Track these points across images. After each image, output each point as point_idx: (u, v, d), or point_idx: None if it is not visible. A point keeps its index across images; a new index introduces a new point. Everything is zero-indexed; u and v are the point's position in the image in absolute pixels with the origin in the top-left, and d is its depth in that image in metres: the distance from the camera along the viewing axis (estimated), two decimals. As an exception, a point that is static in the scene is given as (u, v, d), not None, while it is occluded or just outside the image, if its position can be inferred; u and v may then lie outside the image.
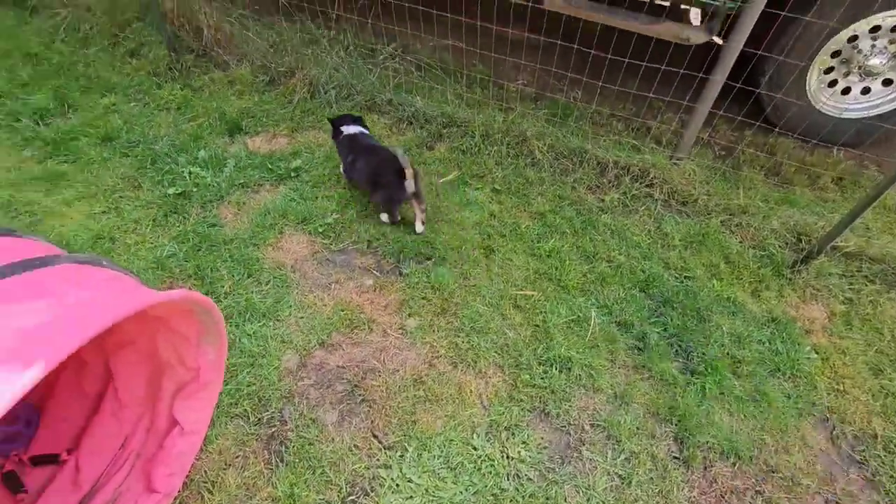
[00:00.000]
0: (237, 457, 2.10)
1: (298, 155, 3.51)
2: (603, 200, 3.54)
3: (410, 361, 2.49)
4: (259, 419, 2.21)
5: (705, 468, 2.27)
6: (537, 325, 2.72)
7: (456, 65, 4.19)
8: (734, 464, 2.29)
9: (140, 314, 1.76)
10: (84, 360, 2.05)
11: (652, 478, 2.21)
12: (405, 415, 2.28)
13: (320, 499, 2.00)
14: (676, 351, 2.70)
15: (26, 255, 1.34)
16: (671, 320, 2.80)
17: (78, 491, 1.89)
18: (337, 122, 3.19)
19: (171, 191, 3.11)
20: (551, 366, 2.54)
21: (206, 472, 2.03)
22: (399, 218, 3.12)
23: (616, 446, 2.30)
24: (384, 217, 3.14)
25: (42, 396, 2.08)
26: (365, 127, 3.24)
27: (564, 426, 2.35)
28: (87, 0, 4.28)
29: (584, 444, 2.30)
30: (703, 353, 2.66)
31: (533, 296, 2.86)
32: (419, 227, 3.09)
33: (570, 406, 2.41)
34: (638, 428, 2.36)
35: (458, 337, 2.61)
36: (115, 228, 2.89)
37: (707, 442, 2.32)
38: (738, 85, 3.20)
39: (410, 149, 3.70)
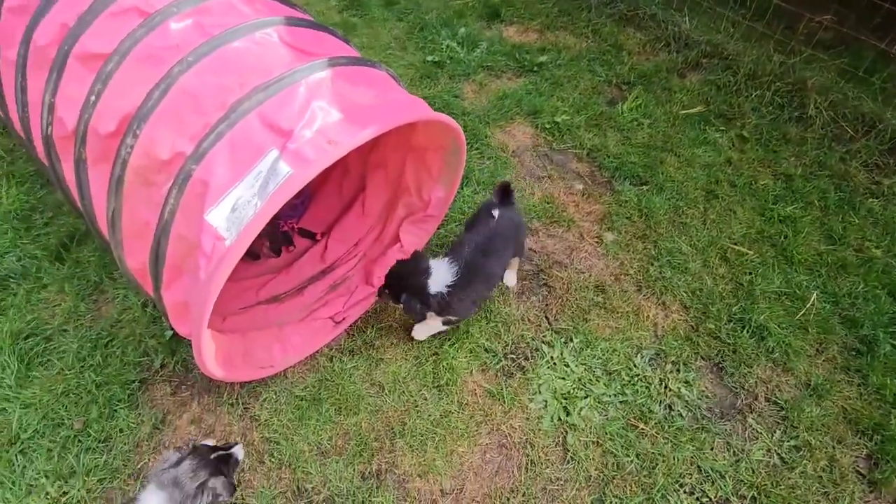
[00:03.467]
0: (432, 286, 2.48)
1: (545, 52, 3.55)
2: (878, 183, 2.91)
3: (597, 269, 2.55)
4: (454, 266, 2.55)
5: (897, 499, 1.97)
6: (741, 284, 2.51)
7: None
8: (942, 514, 1.94)
9: (403, 141, 2.12)
10: (349, 169, 2.56)
11: (822, 477, 2.00)
12: (579, 311, 2.39)
13: (487, 345, 2.29)
14: (911, 372, 2.26)
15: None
16: (919, 339, 2.32)
17: (322, 263, 2.48)
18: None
19: (429, 58, 3.47)
20: (743, 327, 2.36)
21: (407, 287, 2.46)
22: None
23: (789, 430, 2.11)
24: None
25: (315, 186, 2.69)
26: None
27: (736, 388, 2.22)
28: None
29: (752, 412, 2.16)
30: (951, 389, 2.18)
31: (747, 254, 2.61)
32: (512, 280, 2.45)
33: (749, 372, 2.25)
34: (823, 425, 2.12)
35: (652, 265, 2.56)
36: (381, 80, 3.38)
37: (913, 476, 1.99)
38: None
39: (659, 71, 3.45)
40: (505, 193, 2.19)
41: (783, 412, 2.16)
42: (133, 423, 2.05)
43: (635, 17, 3.75)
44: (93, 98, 1.44)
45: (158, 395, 2.14)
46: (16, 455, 1.96)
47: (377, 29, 3.72)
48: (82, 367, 2.16)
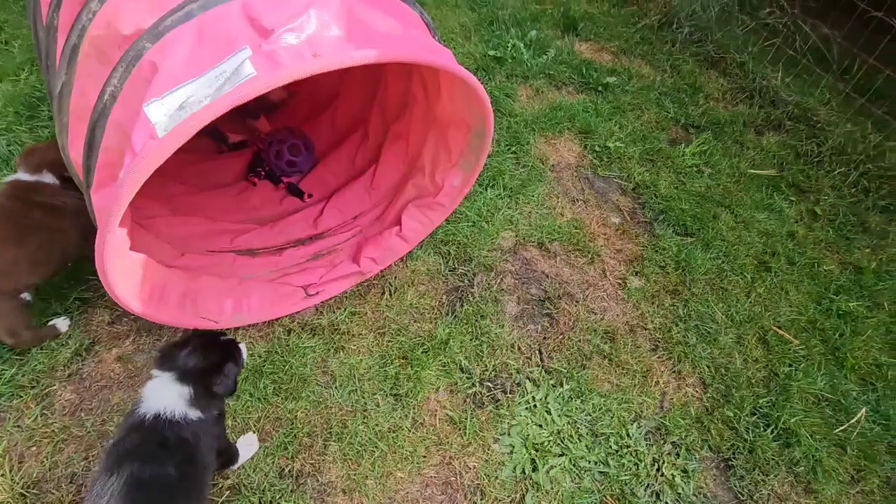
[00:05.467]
0: (422, 283, 2.19)
1: (615, 73, 3.27)
2: (967, 303, 2.47)
3: (612, 314, 2.21)
4: (454, 269, 2.26)
5: None
6: (776, 375, 2.12)
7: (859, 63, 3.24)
8: None
9: (430, 111, 1.86)
10: (368, 135, 2.33)
11: None
12: (579, 355, 2.06)
13: (464, 363, 1.98)
14: (968, 538, 1.81)
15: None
16: None
17: (313, 229, 2.24)
18: None
19: (491, 52, 3.24)
20: (767, 426, 1.97)
21: (396, 277, 2.19)
22: None
23: (799, 566, 1.71)
24: None
25: (328, 147, 2.47)
26: None
27: (742, 494, 1.83)
28: None
29: (756, 531, 1.76)
30: None
31: (792, 343, 2.22)
32: None
33: (762, 481, 1.86)
34: (843, 572, 1.70)
35: (676, 325, 2.20)
36: (434, 62, 3.17)
37: None
38: None
39: (735, 122, 3.10)
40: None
41: (797, 542, 1.75)
42: (57, 343, 1.83)
43: (722, 61, 3.43)
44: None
45: (95, 321, 1.93)
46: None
47: (446, 12, 3.52)
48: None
